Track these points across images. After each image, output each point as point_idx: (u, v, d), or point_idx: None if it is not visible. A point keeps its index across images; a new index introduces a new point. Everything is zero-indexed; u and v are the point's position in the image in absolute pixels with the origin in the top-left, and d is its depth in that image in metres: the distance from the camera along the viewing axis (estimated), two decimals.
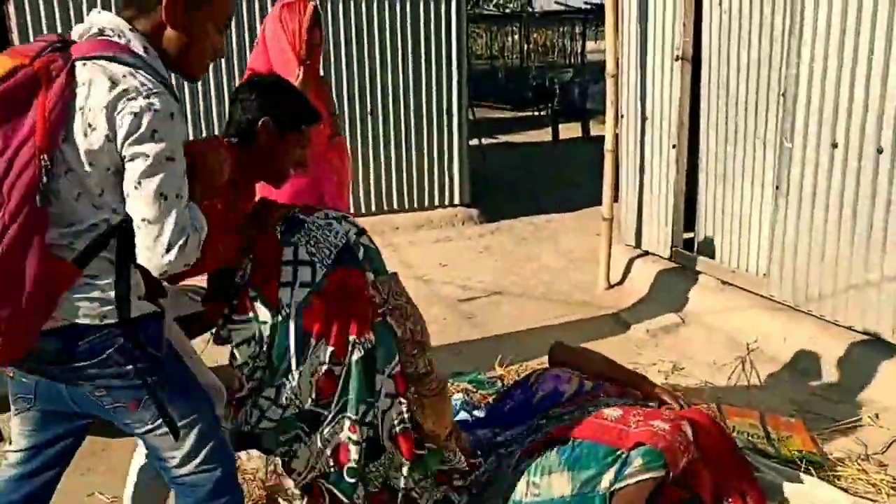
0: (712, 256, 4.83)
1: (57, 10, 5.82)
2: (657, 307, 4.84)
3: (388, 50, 6.80)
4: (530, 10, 24.67)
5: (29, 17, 5.76)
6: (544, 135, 12.91)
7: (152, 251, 1.64)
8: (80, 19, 5.80)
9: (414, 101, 6.96)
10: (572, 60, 24.47)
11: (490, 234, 7.09)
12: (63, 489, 3.14)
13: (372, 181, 6.98)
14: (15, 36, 5.75)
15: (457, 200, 7.35)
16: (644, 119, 5.24)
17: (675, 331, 4.51)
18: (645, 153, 5.29)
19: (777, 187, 4.19)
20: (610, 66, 5.09)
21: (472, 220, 7.33)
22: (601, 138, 5.58)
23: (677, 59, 4.85)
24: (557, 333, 4.51)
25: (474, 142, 8.75)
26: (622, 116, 5.39)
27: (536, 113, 15.11)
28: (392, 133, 6.91)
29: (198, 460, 1.88)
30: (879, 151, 3.60)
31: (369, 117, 6.83)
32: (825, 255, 3.97)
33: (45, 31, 5.81)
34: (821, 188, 3.94)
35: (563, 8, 20.82)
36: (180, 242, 1.65)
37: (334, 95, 5.10)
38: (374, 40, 6.74)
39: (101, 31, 1.71)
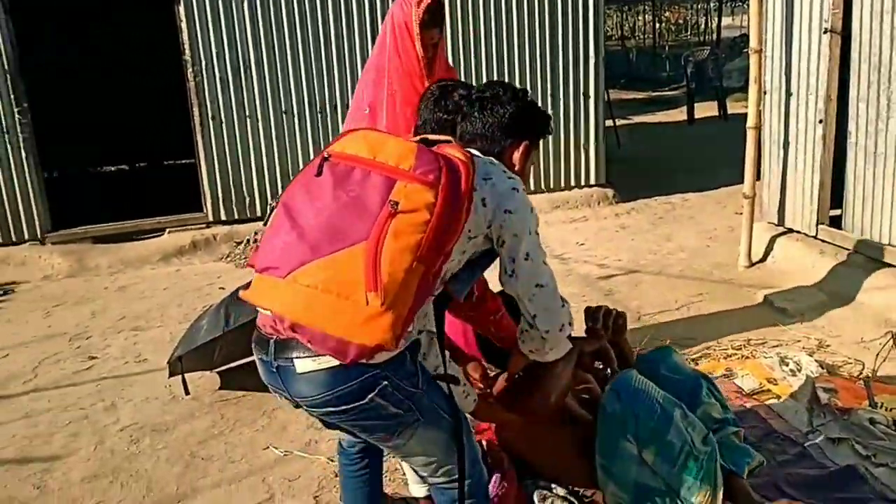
0: (860, 234, 4.72)
1: (221, 9, 6.31)
2: (801, 285, 4.78)
3: (525, 36, 6.96)
4: None
5: (197, 20, 6.29)
6: (679, 115, 12.67)
7: None
8: (253, 18, 6.29)
9: (551, 84, 7.10)
10: (706, 38, 23.69)
11: (626, 213, 7.14)
12: (242, 442, 3.57)
13: None
14: (185, 36, 6.29)
15: (593, 181, 7.44)
16: (789, 94, 5.16)
17: (821, 308, 4.44)
18: (789, 129, 5.21)
19: None
20: (753, 42, 5.03)
21: (608, 199, 7.40)
22: (738, 117, 5.51)
23: (826, 32, 4.75)
24: (699, 311, 4.57)
25: (608, 123, 8.77)
26: (765, 93, 5.32)
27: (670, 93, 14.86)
28: None
29: (445, 475, 2.03)
30: None
31: None
32: None
33: (211, 36, 6.33)
34: None
35: None
36: None
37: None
38: (513, 27, 6.92)
39: None
